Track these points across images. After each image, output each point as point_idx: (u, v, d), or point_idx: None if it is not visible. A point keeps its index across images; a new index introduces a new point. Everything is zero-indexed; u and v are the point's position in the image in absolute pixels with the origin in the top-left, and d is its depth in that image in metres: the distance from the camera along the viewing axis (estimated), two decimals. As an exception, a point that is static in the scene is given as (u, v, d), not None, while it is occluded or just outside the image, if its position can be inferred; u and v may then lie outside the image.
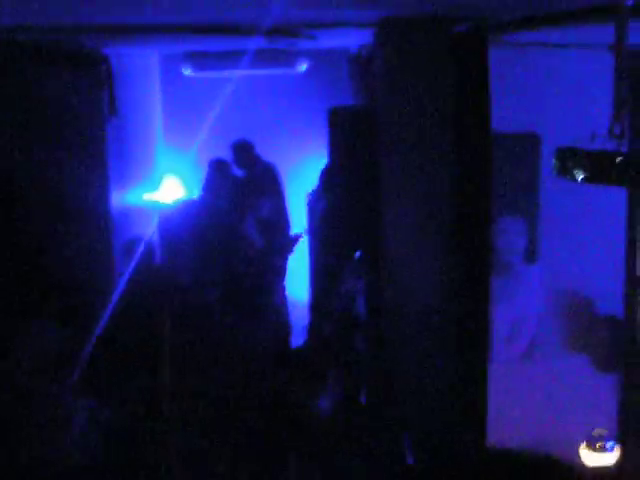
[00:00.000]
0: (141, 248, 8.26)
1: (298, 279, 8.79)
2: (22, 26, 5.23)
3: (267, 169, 9.08)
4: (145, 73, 9.73)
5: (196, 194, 9.04)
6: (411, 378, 5.57)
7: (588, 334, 5.95)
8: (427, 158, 5.28)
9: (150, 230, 8.88)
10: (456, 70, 4.92)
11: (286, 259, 8.64)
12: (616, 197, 4.67)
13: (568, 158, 3.42)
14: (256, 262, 7.13)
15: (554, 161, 3.53)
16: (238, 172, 8.88)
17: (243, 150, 9.03)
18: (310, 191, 8.57)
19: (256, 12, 5.16)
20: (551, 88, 5.79)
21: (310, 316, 8.13)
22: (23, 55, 6.35)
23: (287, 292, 8.58)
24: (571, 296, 6.08)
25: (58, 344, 5.54)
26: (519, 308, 6.12)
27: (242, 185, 8.54)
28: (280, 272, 8.57)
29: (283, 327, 7.81)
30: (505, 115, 5.25)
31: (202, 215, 7.95)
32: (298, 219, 8.94)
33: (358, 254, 6.63)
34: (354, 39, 7.64)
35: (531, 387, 5.48)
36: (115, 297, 7.19)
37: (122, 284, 7.57)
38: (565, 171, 3.43)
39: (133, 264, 8.12)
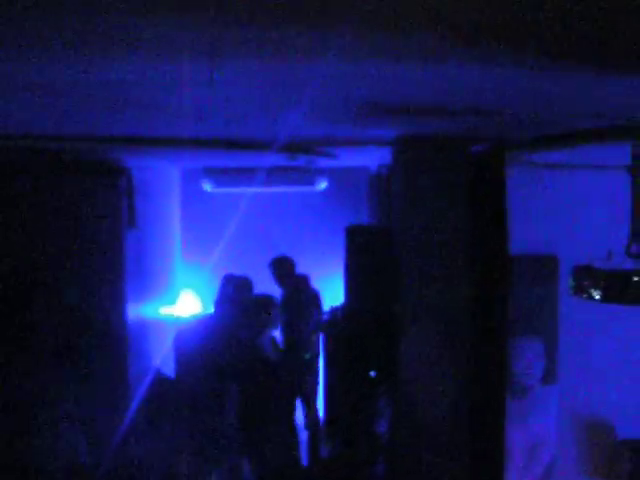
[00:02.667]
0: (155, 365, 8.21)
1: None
2: (42, 135, 5.31)
3: (298, 287, 8.99)
4: (166, 187, 9.83)
5: (210, 309, 9.00)
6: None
7: (609, 461, 5.79)
8: (444, 277, 5.25)
9: (165, 344, 8.83)
10: (473, 189, 4.93)
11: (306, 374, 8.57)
12: (637, 315, 4.60)
13: (584, 277, 3.39)
14: (270, 377, 7.04)
15: (570, 280, 3.49)
16: (252, 288, 8.84)
17: (279, 265, 8.99)
18: (328, 308, 8.53)
19: (273, 128, 5.22)
20: (569, 208, 5.78)
21: (326, 438, 7.99)
22: (41, 163, 6.45)
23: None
24: (591, 419, 5.95)
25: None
26: (536, 431, 5.98)
27: (257, 302, 8.50)
28: (297, 388, 8.50)
29: (293, 447, 7.68)
30: (522, 236, 5.24)
31: (215, 330, 7.91)
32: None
33: (373, 373, 6.54)
34: (374, 158, 7.72)
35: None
36: (129, 412, 7.12)
37: (137, 399, 7.50)
38: (582, 290, 3.38)
39: (147, 380, 8.06)
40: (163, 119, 4.79)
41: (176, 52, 2.72)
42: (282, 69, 3.12)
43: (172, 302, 9.82)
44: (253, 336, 6.86)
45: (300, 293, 8.80)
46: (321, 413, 8.46)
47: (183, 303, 10.00)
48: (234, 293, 8.29)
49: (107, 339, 6.96)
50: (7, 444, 5.56)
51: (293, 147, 6.68)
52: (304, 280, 8.89)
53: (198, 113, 4.32)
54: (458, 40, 2.56)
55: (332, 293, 8.97)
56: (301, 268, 9.10)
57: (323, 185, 9.68)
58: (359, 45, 2.66)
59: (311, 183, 9.51)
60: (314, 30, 2.43)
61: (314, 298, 8.85)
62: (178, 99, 3.91)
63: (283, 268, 8.88)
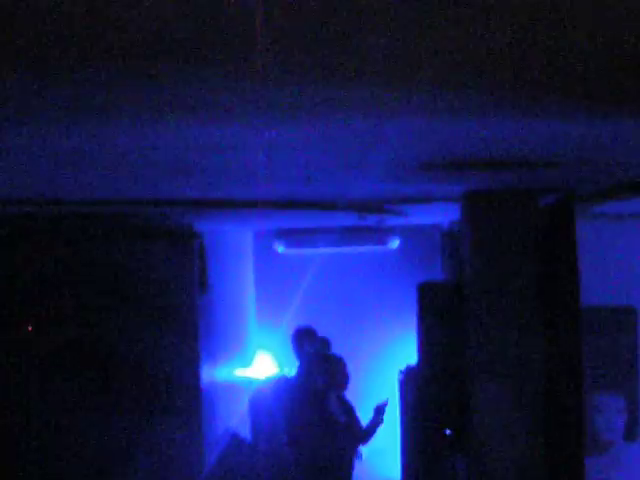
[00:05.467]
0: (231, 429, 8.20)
1: (390, 458, 8.60)
2: (113, 200, 5.40)
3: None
4: (238, 249, 9.91)
5: (285, 370, 8.98)
6: None
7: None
8: (516, 332, 5.17)
9: (241, 407, 8.84)
10: (543, 242, 4.87)
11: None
12: None
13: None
14: (340, 439, 6.98)
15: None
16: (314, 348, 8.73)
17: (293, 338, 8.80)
18: (403, 367, 8.46)
19: (340, 188, 5.25)
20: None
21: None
22: (115, 228, 6.55)
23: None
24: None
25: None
26: (619, 490, 5.82)
27: (320, 361, 8.42)
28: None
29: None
30: (599, 288, 5.15)
31: (290, 392, 7.89)
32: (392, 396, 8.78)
33: (448, 432, 6.43)
34: (445, 215, 7.69)
35: None
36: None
37: (211, 464, 7.50)
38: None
39: (223, 444, 8.05)
40: (230, 182, 4.85)
41: (237, 116, 2.76)
42: (348, 129, 3.15)
43: (247, 364, 9.83)
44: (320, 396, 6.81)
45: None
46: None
47: (258, 365, 10.01)
48: (299, 352, 8.22)
49: (181, 403, 6.98)
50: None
51: (362, 206, 6.69)
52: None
53: (263, 175, 4.36)
54: (528, 93, 2.56)
55: (407, 351, 8.90)
56: (374, 327, 9.07)
57: (395, 244, 9.67)
58: (427, 104, 2.67)
59: (383, 242, 9.51)
60: (381, 90, 2.45)
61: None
62: (242, 162, 3.96)
63: (297, 341, 8.62)
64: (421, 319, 6.92)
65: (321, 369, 7.01)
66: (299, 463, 6.92)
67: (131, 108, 2.63)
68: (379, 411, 8.37)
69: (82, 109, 2.62)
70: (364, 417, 8.18)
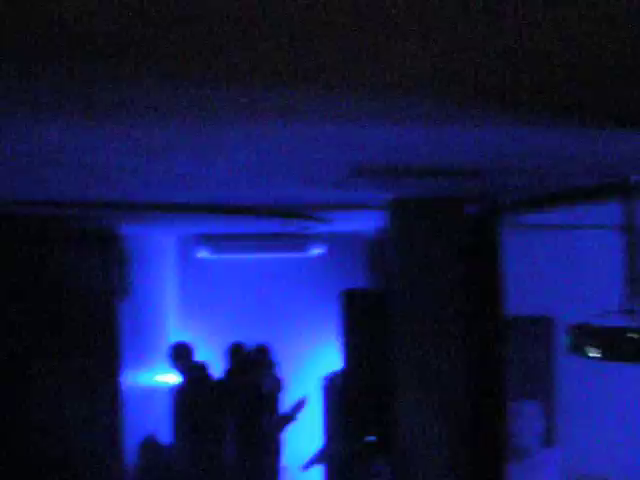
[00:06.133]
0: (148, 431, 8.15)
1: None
2: (32, 201, 5.29)
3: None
4: (161, 254, 9.83)
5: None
6: None
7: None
8: (439, 340, 5.22)
9: (161, 412, 8.77)
10: (468, 250, 4.92)
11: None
12: (634, 373, 4.57)
13: (580, 335, 3.36)
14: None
15: (566, 338, 3.46)
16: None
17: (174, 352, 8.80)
18: (326, 374, 8.49)
19: (264, 193, 5.23)
20: (564, 268, 5.78)
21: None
22: (33, 230, 6.42)
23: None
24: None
25: None
26: (538, 495, 5.90)
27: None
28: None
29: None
30: (517, 297, 5.22)
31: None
32: (314, 403, 8.80)
33: (372, 438, 6.47)
34: (370, 222, 7.73)
35: None
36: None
37: (130, 471, 7.43)
38: (578, 348, 3.35)
39: (143, 448, 8.00)
40: (151, 185, 4.78)
41: (161, 117, 2.71)
42: (272, 134, 3.12)
43: (167, 369, 9.76)
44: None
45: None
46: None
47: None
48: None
49: (102, 409, 6.89)
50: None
51: (286, 212, 6.69)
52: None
53: (184, 179, 4.32)
54: (455, 102, 2.57)
55: (331, 358, 8.93)
56: (298, 334, 9.07)
57: (318, 251, 9.70)
58: (354, 109, 2.67)
59: (305, 249, 9.53)
60: (308, 94, 2.44)
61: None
62: (167, 166, 3.91)
63: (179, 355, 8.60)
64: (344, 326, 6.95)
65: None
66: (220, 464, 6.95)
67: (57, 108, 2.57)
68: (297, 406, 8.52)
69: (7, 107, 2.56)
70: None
